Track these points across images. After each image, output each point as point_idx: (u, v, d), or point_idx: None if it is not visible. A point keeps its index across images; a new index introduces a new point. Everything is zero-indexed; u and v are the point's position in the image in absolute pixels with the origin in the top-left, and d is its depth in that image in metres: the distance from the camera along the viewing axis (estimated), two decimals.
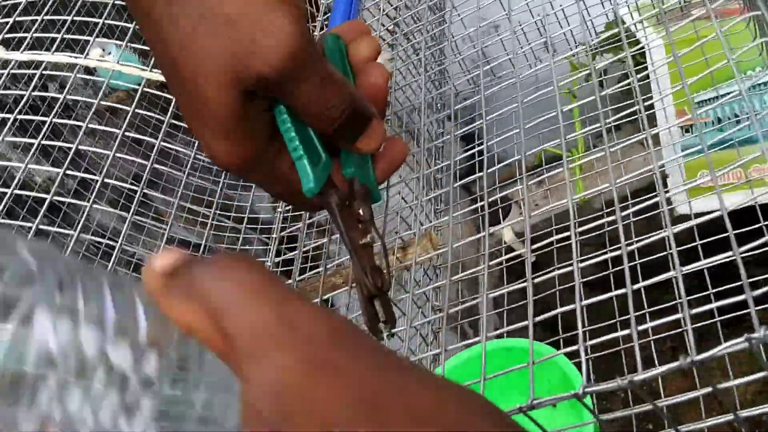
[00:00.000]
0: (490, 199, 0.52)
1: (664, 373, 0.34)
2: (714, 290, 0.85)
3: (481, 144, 0.60)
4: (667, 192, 0.97)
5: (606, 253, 0.48)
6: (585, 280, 0.74)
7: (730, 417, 0.40)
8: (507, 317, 0.86)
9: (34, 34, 0.72)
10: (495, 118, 0.66)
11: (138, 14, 0.35)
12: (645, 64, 1.13)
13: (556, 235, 0.60)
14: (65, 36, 0.76)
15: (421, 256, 0.58)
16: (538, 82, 0.82)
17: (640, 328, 0.39)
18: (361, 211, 0.40)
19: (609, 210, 1.01)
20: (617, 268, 0.86)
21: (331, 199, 0.39)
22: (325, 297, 0.59)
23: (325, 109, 0.36)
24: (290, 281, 0.67)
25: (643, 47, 1.15)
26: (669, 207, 0.89)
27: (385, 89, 0.40)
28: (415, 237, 0.59)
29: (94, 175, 1.03)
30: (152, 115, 0.78)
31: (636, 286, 0.41)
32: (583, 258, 0.44)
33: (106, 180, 0.62)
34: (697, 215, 0.55)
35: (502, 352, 0.65)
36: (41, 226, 0.58)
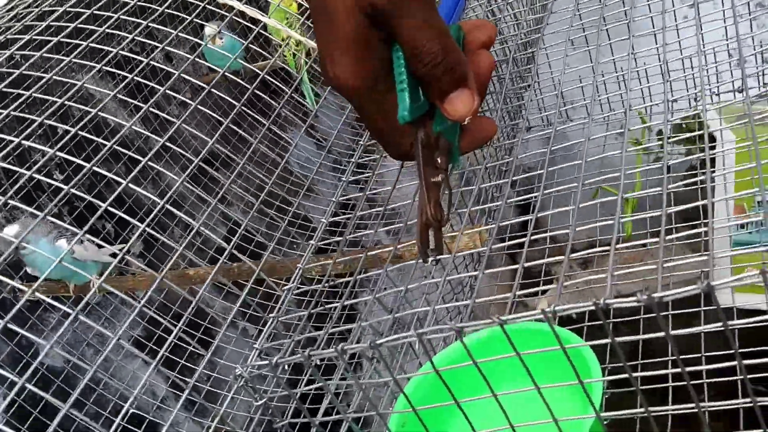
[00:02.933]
0: (526, 264, 0.54)
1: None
2: None
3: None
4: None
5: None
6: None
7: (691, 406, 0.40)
8: None
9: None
10: (553, 194, 0.68)
11: None
12: (712, 154, 1.15)
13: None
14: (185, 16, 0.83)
15: (467, 244, 0.62)
16: (603, 166, 0.85)
17: None
18: (439, 160, 0.46)
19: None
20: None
21: (419, 133, 0.45)
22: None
23: (421, 47, 0.42)
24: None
25: (714, 144, 1.17)
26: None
27: (487, 72, 0.46)
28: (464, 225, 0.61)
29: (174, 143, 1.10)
30: (228, 99, 0.84)
31: None
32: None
33: (180, 151, 0.68)
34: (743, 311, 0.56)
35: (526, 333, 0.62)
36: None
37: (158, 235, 0.69)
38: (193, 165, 0.66)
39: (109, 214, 1.05)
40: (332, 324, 0.43)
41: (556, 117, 0.75)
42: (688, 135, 1.23)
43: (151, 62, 0.70)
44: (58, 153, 0.57)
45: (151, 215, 0.60)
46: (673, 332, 0.42)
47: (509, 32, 0.91)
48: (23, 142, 0.60)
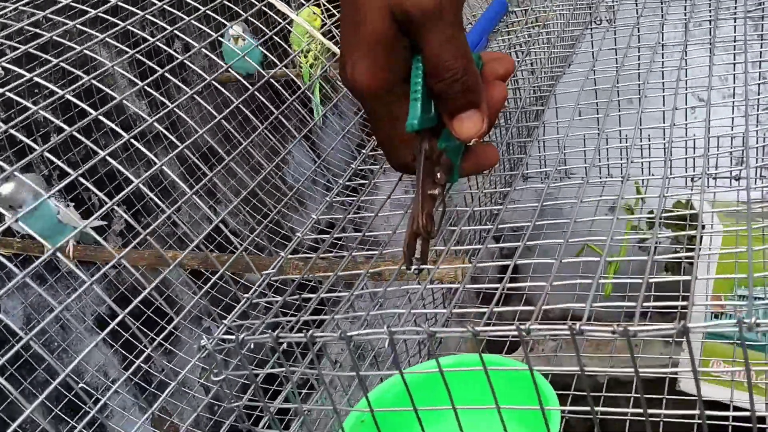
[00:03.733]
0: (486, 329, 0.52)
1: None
2: None
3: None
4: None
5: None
6: None
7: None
8: None
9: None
10: (534, 260, 0.66)
11: None
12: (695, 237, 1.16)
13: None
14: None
15: (447, 275, 0.62)
16: (593, 226, 0.86)
17: None
18: (438, 175, 0.46)
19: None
20: None
21: (422, 144, 0.46)
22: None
23: (443, 63, 0.42)
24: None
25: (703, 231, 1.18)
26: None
27: (499, 103, 0.47)
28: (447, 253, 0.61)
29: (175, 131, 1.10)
30: (234, 100, 0.85)
31: None
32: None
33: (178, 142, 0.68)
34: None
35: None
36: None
37: (145, 218, 0.68)
38: (179, 146, 0.66)
39: (99, 188, 1.05)
40: (307, 312, 0.43)
41: (554, 173, 0.76)
42: (678, 219, 1.24)
43: (167, 49, 0.71)
44: (41, 111, 0.57)
45: (122, 193, 0.59)
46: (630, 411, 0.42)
47: (523, 82, 0.92)
48: (32, 107, 0.60)
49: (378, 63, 0.43)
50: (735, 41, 0.82)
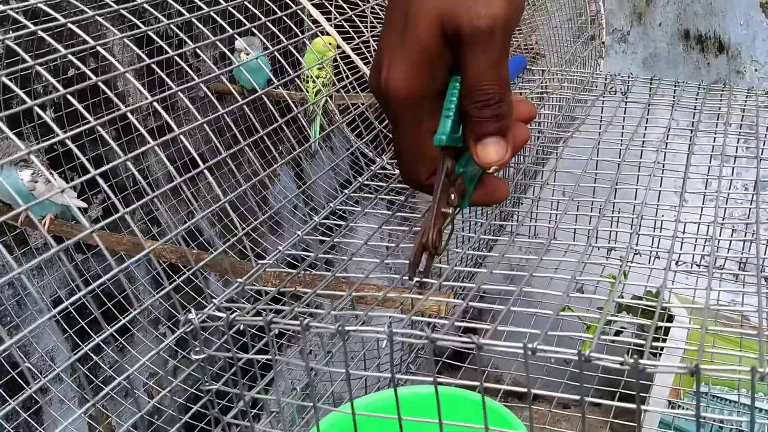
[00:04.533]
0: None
1: None
2: None
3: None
4: None
5: None
6: None
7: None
8: None
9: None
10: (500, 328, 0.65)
11: None
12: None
13: None
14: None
15: (431, 308, 0.61)
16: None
17: None
18: (452, 197, 0.46)
19: None
20: None
21: (445, 162, 0.45)
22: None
23: (481, 86, 0.42)
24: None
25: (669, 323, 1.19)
26: None
27: (521, 142, 0.48)
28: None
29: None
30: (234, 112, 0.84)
31: None
32: None
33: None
34: None
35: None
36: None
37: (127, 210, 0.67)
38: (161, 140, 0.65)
39: (84, 171, 1.03)
40: (302, 303, 0.42)
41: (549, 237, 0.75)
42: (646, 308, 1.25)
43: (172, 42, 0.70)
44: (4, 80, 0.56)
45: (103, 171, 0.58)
46: None
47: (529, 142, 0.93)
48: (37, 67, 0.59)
49: (417, 71, 0.43)
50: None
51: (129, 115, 0.58)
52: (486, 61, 0.42)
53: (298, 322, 0.36)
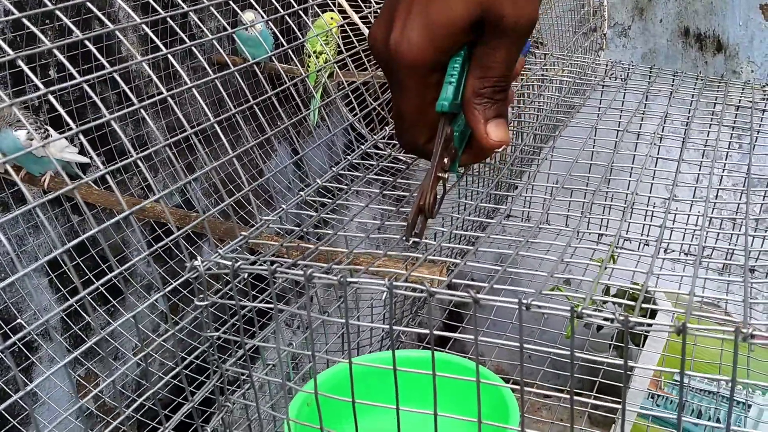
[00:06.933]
0: None
1: None
2: None
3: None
4: None
5: None
6: None
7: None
8: None
9: None
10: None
11: None
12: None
13: None
14: None
15: (421, 275, 0.63)
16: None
17: None
18: (446, 161, 0.48)
19: None
20: None
21: (444, 127, 0.47)
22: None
23: (500, 69, 0.45)
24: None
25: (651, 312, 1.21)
26: None
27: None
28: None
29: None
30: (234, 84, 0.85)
31: None
32: None
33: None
34: None
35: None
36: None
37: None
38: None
39: (84, 134, 1.03)
40: (307, 258, 0.43)
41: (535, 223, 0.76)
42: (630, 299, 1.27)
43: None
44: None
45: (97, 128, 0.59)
46: None
47: (527, 125, 0.94)
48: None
49: (437, 42, 0.44)
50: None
51: (116, 76, 0.58)
52: (513, 53, 0.45)
53: (301, 272, 0.38)
